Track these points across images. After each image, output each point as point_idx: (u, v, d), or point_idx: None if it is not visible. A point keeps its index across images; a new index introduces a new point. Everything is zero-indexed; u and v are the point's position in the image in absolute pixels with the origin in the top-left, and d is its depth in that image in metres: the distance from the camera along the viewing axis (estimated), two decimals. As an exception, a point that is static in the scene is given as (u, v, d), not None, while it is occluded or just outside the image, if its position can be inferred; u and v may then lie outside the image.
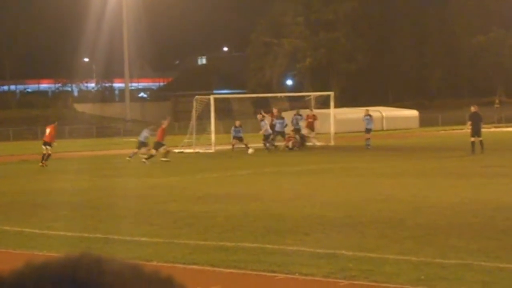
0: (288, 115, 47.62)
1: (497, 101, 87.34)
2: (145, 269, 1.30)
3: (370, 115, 44.56)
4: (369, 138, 42.85)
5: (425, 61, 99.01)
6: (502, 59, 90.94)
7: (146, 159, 36.73)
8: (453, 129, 65.74)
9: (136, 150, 38.40)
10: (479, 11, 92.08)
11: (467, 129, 36.96)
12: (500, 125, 70.44)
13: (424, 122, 74.70)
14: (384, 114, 70.21)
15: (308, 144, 44.66)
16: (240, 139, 43.96)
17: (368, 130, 43.43)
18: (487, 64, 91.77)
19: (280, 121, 45.38)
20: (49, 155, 35.52)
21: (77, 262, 1.26)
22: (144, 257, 12.37)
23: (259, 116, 45.70)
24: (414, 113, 77.08)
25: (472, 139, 35.80)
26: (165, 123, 38.99)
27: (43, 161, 35.13)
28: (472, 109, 37.04)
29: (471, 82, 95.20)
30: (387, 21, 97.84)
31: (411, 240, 13.23)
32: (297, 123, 45.72)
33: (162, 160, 36.05)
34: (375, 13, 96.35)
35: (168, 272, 1.30)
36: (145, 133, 39.03)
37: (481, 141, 35.61)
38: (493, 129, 60.85)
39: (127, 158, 37.58)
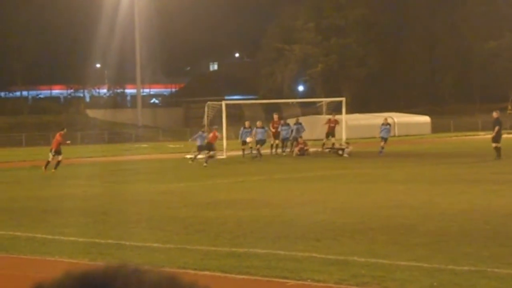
0: (300, 120, 47.41)
1: (509, 107, 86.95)
2: (183, 279, 1.29)
3: (389, 124, 43.77)
4: (383, 147, 42.26)
5: (437, 67, 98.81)
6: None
7: (206, 162, 37.41)
8: (465, 135, 65.58)
9: (203, 155, 38.98)
10: (490, 16, 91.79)
11: (493, 134, 36.73)
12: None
13: (436, 128, 74.57)
14: (396, 120, 70.05)
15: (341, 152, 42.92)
16: (245, 143, 43.67)
17: (384, 139, 42.85)
18: (499, 70, 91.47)
19: (286, 127, 45.19)
20: (58, 162, 35.15)
21: (116, 272, 1.26)
22: (156, 263, 12.38)
23: (258, 123, 45.00)
24: (426, 119, 76.95)
25: (496, 144, 35.72)
26: (216, 132, 39.82)
27: (46, 168, 34.83)
28: (495, 115, 36.92)
29: (482, 88, 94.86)
30: (398, 26, 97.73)
31: (423, 246, 13.20)
32: (298, 132, 45.14)
33: (204, 165, 36.49)
34: (386, 18, 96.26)
35: (206, 283, 1.29)
36: (201, 136, 39.79)
37: (500, 148, 35.61)
38: (505, 135, 60.57)
39: (190, 162, 38.21)
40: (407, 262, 11.82)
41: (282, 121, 46.04)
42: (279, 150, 45.19)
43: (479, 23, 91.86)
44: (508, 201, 19.38)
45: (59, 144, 35.46)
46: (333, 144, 44.62)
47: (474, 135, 66.61)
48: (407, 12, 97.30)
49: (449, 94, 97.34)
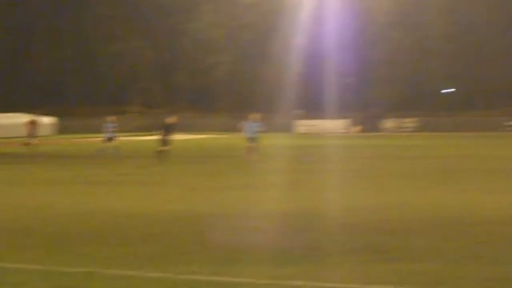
0: None
1: (133, 110, 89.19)
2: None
3: (113, 123, 41.25)
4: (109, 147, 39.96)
5: (64, 68, 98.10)
6: (140, 68, 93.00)
7: None
8: (88, 137, 65.87)
9: None
10: (116, 19, 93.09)
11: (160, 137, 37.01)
12: (138, 133, 72.11)
13: (62, 129, 74.30)
14: (16, 120, 68.08)
15: None
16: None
17: (108, 139, 40.46)
18: (125, 73, 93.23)
19: None
20: None
21: None
22: None
23: None
24: (51, 120, 76.35)
25: (163, 147, 36.08)
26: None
27: None
28: (169, 119, 37.24)
29: (109, 90, 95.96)
30: (27, 27, 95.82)
31: (39, 248, 12.92)
32: None
33: None
34: (14, 19, 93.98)
35: None
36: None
37: (164, 151, 35.99)
38: (131, 138, 62.09)
39: None
40: (20, 265, 11.49)
41: None
42: None
43: (106, 25, 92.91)
44: (127, 202, 19.70)
45: None
46: None
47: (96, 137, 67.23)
48: (32, 10, 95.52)
49: (77, 95, 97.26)
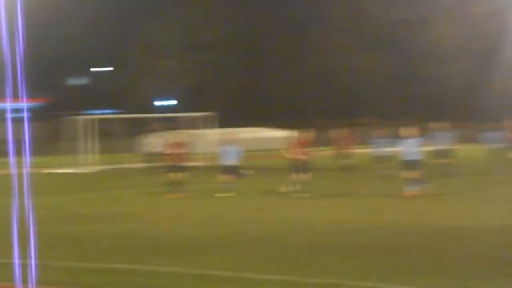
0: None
1: (367, 122, 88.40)
2: None
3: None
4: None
5: (301, 82, 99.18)
6: (374, 80, 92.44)
7: None
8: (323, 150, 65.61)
9: None
10: (354, 34, 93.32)
11: None
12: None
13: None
14: (262, 135, 69.72)
15: None
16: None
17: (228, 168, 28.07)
18: (359, 86, 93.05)
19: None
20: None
21: None
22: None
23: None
24: (290, 133, 77.09)
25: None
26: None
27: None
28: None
29: (341, 102, 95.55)
30: (264, 42, 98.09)
31: (288, 260, 13.21)
32: None
33: None
34: (253, 35, 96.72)
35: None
36: None
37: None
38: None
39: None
40: (271, 276, 11.82)
41: None
42: None
43: (341, 38, 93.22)
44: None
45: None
46: None
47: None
48: (274, 27, 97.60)
49: (314, 108, 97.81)
